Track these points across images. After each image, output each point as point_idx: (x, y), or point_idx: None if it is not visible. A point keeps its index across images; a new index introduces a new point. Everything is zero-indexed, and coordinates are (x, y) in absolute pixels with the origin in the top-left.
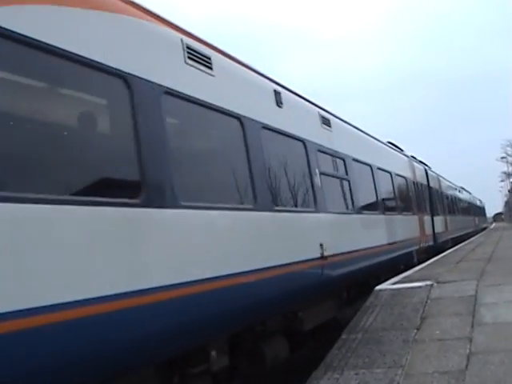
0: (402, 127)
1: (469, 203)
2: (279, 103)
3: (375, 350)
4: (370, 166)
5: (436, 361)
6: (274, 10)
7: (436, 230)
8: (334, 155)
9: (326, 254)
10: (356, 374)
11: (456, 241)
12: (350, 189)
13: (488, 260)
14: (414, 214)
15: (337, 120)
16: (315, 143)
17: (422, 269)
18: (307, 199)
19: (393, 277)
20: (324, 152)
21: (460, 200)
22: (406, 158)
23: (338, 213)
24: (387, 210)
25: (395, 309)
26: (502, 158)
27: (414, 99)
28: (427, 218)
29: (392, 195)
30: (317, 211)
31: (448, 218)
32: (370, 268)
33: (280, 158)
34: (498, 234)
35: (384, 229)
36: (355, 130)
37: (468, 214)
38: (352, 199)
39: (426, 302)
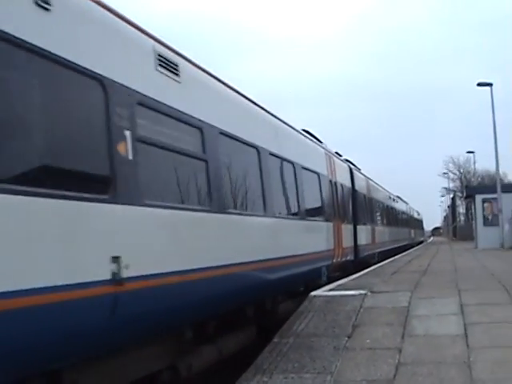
0: (347, 137)
1: (405, 214)
2: (42, 1)
3: (306, 356)
4: (255, 148)
5: (365, 369)
6: (224, 7)
7: (359, 242)
8: (181, 120)
9: (125, 274)
10: (285, 378)
11: (386, 255)
12: (208, 175)
13: (423, 272)
14: (326, 220)
15: (196, 70)
16: (133, 91)
17: (357, 278)
18: (93, 180)
19: (288, 300)
20: (156, 110)
21: (394, 209)
22: (322, 150)
23: (170, 207)
24: (281, 211)
25: (328, 315)
26: (444, 173)
27: (360, 110)
28: (347, 227)
29: (293, 193)
30: (114, 201)
31: (377, 228)
32: (239, 294)
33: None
34: (435, 247)
35: (272, 237)
36: (235, 93)
37: (403, 225)
38: (209, 190)
39: (359, 311)
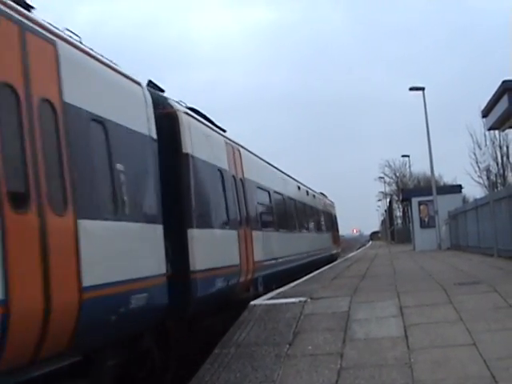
0: (279, 146)
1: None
2: None
3: (247, 365)
4: None
5: (307, 376)
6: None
7: None
8: None
9: None
10: None
11: None
12: None
13: (362, 277)
14: None
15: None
16: None
17: (297, 285)
18: None
19: None
20: None
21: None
22: None
23: None
24: None
25: (269, 324)
26: (380, 177)
27: (289, 119)
28: None
29: None
30: None
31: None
32: None
33: None
34: (374, 251)
35: None
36: None
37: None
38: None
39: (300, 318)
